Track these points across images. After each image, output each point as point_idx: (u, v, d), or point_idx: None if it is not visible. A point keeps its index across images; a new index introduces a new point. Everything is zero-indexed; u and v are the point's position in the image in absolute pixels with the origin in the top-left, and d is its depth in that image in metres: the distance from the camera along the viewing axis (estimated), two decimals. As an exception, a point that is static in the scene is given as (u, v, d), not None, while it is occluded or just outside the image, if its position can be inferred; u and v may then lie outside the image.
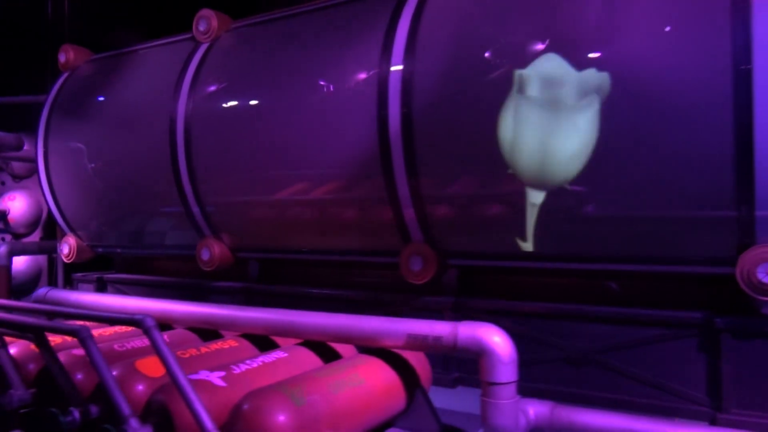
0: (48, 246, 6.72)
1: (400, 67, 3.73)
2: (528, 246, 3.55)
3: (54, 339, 3.06)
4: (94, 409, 2.67)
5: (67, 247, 5.81)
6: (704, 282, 3.34)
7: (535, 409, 2.85)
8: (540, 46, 3.29)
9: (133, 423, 2.40)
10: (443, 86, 3.59)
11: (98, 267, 6.17)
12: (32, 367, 3.08)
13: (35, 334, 2.90)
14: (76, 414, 2.63)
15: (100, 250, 5.89)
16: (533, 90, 3.29)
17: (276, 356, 3.08)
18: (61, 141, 5.55)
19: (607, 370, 3.46)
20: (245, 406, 2.39)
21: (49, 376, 2.89)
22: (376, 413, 2.85)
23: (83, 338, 2.66)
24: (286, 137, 4.27)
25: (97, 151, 5.32)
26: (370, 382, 2.85)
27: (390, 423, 3.05)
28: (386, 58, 3.80)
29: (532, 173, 3.37)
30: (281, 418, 2.35)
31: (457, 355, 2.85)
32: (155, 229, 5.37)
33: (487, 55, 3.48)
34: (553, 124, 3.24)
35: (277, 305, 3.82)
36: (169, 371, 2.41)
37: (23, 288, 7.03)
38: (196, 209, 4.78)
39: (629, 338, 3.40)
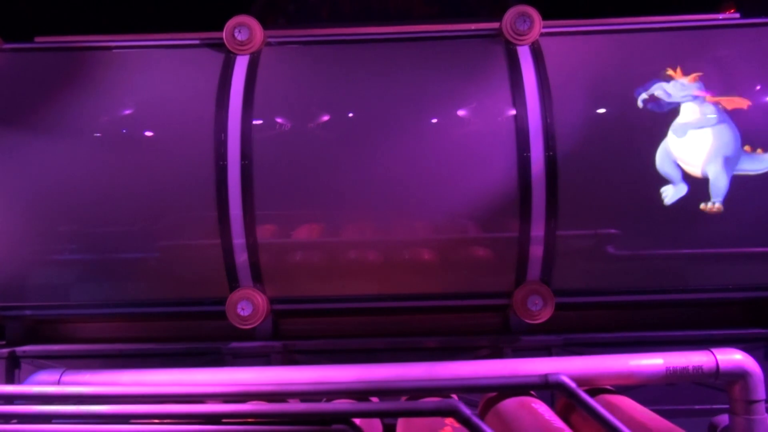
0: None
1: (537, 108, 3.81)
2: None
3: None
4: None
5: (-36, 310, 4.00)
6: None
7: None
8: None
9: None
10: (589, 130, 3.81)
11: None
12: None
13: (345, 423, 2.17)
14: None
15: (7, 312, 4.21)
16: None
17: (541, 410, 2.82)
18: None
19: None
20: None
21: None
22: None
23: (466, 417, 2.12)
24: (386, 171, 3.87)
25: (59, 172, 3.88)
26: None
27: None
28: (519, 97, 3.84)
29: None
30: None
31: (712, 383, 3.04)
32: (129, 280, 4.10)
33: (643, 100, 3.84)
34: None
35: (318, 362, 3.37)
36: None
37: None
38: (241, 253, 3.88)
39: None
